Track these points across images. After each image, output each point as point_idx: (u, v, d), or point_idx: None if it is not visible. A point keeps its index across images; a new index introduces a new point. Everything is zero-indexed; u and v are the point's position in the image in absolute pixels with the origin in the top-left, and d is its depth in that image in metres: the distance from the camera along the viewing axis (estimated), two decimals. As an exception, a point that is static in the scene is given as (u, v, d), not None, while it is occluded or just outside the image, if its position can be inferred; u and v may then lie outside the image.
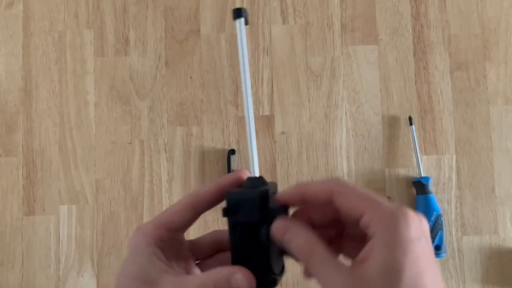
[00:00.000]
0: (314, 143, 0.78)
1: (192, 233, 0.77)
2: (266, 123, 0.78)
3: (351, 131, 0.78)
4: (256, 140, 0.78)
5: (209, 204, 0.29)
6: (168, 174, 0.77)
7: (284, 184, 0.77)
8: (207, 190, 0.29)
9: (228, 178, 0.29)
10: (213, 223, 0.76)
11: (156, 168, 0.78)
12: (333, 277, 0.24)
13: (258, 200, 0.27)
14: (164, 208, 0.77)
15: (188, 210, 0.29)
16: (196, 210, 0.29)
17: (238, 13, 0.28)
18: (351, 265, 0.24)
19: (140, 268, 0.27)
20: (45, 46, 0.80)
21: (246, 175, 0.30)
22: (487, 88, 0.79)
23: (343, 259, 0.27)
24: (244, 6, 0.81)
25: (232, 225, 0.27)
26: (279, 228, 0.27)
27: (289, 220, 0.28)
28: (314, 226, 0.28)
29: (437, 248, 0.73)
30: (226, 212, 0.27)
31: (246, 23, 0.30)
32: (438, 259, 0.76)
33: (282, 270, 0.29)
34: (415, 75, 0.80)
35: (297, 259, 0.26)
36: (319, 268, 0.24)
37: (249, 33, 0.80)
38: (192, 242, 0.31)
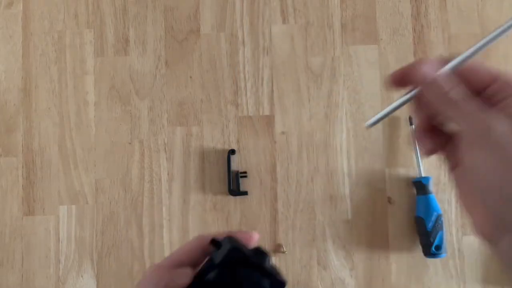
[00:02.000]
0: (314, 143, 0.78)
1: (192, 233, 0.77)
2: (266, 123, 0.78)
3: (351, 131, 0.78)
4: (256, 140, 0.79)
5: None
6: (168, 174, 0.77)
7: (284, 183, 0.77)
8: (217, 234, 0.31)
9: (241, 234, 0.31)
10: (212, 223, 0.76)
11: (156, 168, 0.78)
12: (475, 117, 0.24)
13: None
14: (164, 208, 0.77)
15: (197, 251, 0.30)
16: (204, 252, 0.30)
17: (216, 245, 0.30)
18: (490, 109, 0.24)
19: None
20: (45, 46, 0.80)
21: (256, 237, 0.32)
22: (487, 88, 0.79)
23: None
24: (244, 6, 0.80)
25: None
26: (429, 71, 0.26)
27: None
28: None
29: (437, 248, 0.73)
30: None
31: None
32: (438, 259, 0.75)
33: None
34: (415, 75, 0.80)
35: (440, 103, 0.26)
36: (467, 106, 0.24)
37: (249, 33, 0.80)
38: None
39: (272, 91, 0.79)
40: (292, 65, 0.80)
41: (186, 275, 0.29)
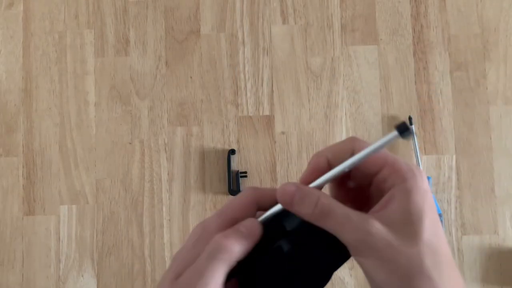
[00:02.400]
0: (314, 143, 0.78)
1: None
2: (266, 123, 0.79)
3: (351, 131, 0.79)
4: (256, 140, 0.79)
5: (272, 204, 0.27)
6: (168, 174, 0.78)
7: (284, 184, 0.77)
8: (271, 189, 0.27)
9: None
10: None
11: (156, 168, 0.78)
12: (355, 224, 0.24)
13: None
14: (164, 208, 0.77)
15: (251, 207, 0.27)
16: (259, 208, 0.27)
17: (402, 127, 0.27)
18: (363, 214, 0.24)
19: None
20: (46, 46, 0.80)
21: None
22: (486, 88, 0.80)
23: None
24: (244, 6, 0.81)
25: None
26: (288, 190, 0.25)
27: (295, 184, 0.26)
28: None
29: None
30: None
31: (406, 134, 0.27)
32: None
33: None
34: (415, 75, 0.80)
35: (310, 219, 0.25)
36: (340, 220, 0.24)
37: (249, 33, 0.80)
38: None
39: (272, 91, 0.79)
40: (292, 65, 0.80)
41: (258, 231, 0.25)
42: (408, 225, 0.23)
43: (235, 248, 0.24)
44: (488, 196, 0.77)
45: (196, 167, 0.78)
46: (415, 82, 0.80)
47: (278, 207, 0.27)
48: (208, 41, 0.80)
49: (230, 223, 0.26)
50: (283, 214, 0.27)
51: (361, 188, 0.27)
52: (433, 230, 0.24)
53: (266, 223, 0.26)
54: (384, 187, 0.25)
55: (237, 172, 0.76)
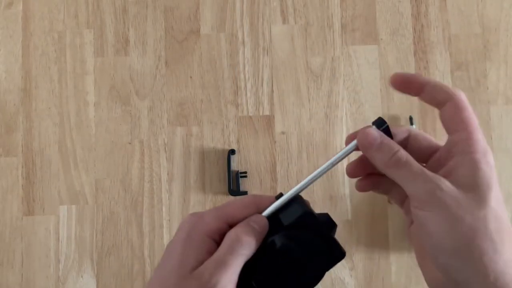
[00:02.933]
0: (314, 143, 0.78)
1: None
2: (266, 123, 0.78)
3: (351, 131, 0.78)
4: (256, 140, 0.78)
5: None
6: (168, 174, 0.77)
7: (284, 184, 0.77)
8: (270, 196, 0.29)
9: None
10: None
11: (156, 168, 0.78)
12: (429, 178, 0.25)
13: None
14: (164, 208, 0.77)
15: (251, 208, 0.28)
16: (258, 210, 0.28)
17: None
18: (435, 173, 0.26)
19: (195, 258, 0.25)
20: (45, 46, 0.80)
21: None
22: (487, 88, 0.79)
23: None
24: (244, 6, 0.80)
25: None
26: (370, 134, 0.27)
27: (378, 130, 0.28)
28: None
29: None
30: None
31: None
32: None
33: None
34: (415, 75, 0.80)
35: (384, 166, 0.27)
36: (415, 171, 0.25)
37: (249, 33, 0.80)
38: None
39: (272, 91, 0.79)
40: (292, 65, 0.80)
41: (266, 227, 0.27)
42: (477, 190, 0.24)
43: (253, 244, 0.26)
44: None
45: (196, 167, 0.78)
46: (416, 82, 0.79)
47: (278, 202, 0.28)
48: (208, 41, 0.80)
49: (227, 219, 0.27)
50: (282, 210, 0.27)
51: (423, 158, 0.29)
52: (498, 200, 0.25)
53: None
54: (454, 150, 0.26)
55: (237, 172, 0.76)
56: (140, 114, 0.79)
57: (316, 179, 0.29)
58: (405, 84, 0.29)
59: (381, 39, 0.80)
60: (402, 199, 0.30)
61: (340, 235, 0.79)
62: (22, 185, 0.77)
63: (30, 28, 0.80)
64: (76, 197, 0.77)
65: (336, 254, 0.28)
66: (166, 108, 0.79)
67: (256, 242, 0.26)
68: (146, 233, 0.77)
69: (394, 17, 0.81)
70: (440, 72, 0.80)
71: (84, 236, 0.77)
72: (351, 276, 0.76)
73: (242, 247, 0.25)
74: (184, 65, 0.80)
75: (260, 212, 0.28)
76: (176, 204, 0.77)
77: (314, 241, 0.27)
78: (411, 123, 0.76)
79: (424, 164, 0.28)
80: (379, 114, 0.79)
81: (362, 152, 0.28)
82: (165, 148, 0.78)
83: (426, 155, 0.28)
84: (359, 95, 0.79)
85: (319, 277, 0.28)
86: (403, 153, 0.26)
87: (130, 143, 0.78)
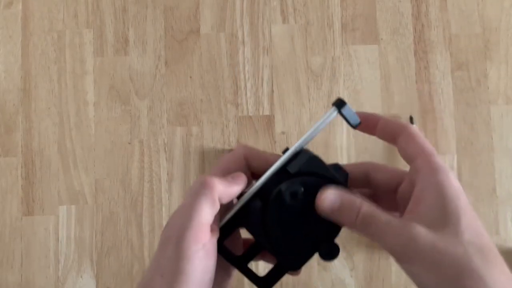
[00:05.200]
0: (315, 143, 0.78)
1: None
2: (266, 123, 0.78)
3: (351, 131, 0.78)
4: (256, 140, 0.78)
5: (261, 162, 0.28)
6: (167, 174, 0.77)
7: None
8: (259, 150, 0.29)
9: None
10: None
11: (156, 168, 0.77)
12: (398, 231, 0.24)
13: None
14: (164, 208, 0.77)
15: (241, 160, 0.28)
16: (250, 162, 0.28)
17: (339, 104, 0.28)
18: (403, 218, 0.25)
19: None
20: (45, 45, 0.80)
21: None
22: (488, 88, 0.79)
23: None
24: (244, 5, 0.80)
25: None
26: (327, 199, 0.26)
27: (336, 191, 0.27)
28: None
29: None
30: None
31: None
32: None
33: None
34: (415, 75, 0.79)
35: (351, 227, 0.26)
36: (383, 228, 0.24)
37: (249, 33, 0.80)
38: None
39: (272, 91, 0.79)
40: (292, 65, 0.79)
41: (242, 180, 0.26)
42: (449, 226, 0.23)
43: (216, 184, 0.25)
44: (490, 196, 0.77)
45: (196, 167, 0.77)
46: (416, 81, 0.79)
47: (284, 156, 0.28)
48: (208, 41, 0.80)
49: (222, 174, 0.27)
50: (289, 163, 0.28)
51: (389, 191, 0.28)
52: (474, 228, 0.23)
53: (274, 175, 0.27)
54: (417, 178, 0.25)
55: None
56: (140, 114, 0.79)
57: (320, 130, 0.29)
58: (363, 124, 0.29)
59: (382, 38, 0.80)
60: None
61: (340, 235, 0.79)
62: (22, 185, 0.77)
63: (29, 28, 0.80)
64: (76, 197, 0.77)
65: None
66: (166, 108, 0.79)
67: (224, 185, 0.26)
68: (146, 233, 0.76)
69: (394, 17, 0.81)
70: (440, 72, 0.79)
71: (84, 236, 0.76)
72: (351, 276, 0.76)
73: (203, 187, 0.25)
74: (184, 65, 0.79)
75: (252, 164, 0.28)
76: (176, 204, 0.77)
77: (323, 184, 0.27)
78: (411, 123, 0.76)
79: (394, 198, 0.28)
80: (379, 114, 0.79)
81: (325, 216, 0.27)
82: (165, 148, 0.78)
83: (392, 186, 0.27)
84: (359, 95, 0.79)
85: (333, 231, 0.27)
86: (366, 210, 0.25)
87: (129, 143, 0.78)
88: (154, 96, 0.79)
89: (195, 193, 0.25)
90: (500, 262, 0.24)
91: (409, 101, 0.79)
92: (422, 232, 0.23)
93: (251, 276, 0.28)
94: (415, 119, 0.78)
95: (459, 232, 0.23)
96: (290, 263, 0.27)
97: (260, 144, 0.78)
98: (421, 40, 0.80)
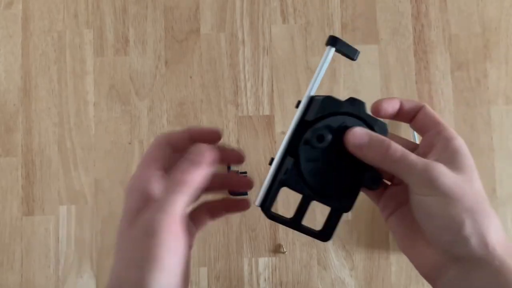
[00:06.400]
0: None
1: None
2: (266, 123, 0.78)
3: (351, 131, 0.78)
4: (256, 140, 0.78)
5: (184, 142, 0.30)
6: (167, 174, 0.77)
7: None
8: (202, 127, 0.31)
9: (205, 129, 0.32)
10: (212, 223, 0.76)
11: (156, 168, 0.77)
12: (425, 167, 0.26)
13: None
14: (163, 208, 0.77)
15: (186, 134, 0.31)
16: (191, 138, 0.30)
17: (332, 41, 0.28)
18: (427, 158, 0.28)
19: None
20: (45, 45, 0.80)
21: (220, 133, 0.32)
22: (488, 88, 0.79)
23: None
24: (244, 6, 0.80)
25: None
26: (358, 134, 0.28)
27: (366, 130, 0.29)
28: None
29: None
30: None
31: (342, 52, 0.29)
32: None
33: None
34: (415, 75, 0.80)
35: (379, 163, 0.28)
36: (410, 164, 0.27)
37: (249, 33, 0.80)
38: None
39: (272, 91, 0.79)
40: (292, 65, 0.79)
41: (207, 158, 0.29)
42: (467, 172, 0.27)
43: (192, 180, 0.27)
44: (490, 196, 0.77)
45: (196, 167, 0.77)
46: (416, 82, 0.79)
47: (299, 111, 0.29)
48: (208, 41, 0.80)
49: (160, 164, 0.29)
50: (305, 114, 0.29)
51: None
52: (479, 181, 0.28)
53: (296, 131, 0.28)
54: (434, 142, 0.28)
55: (237, 172, 0.76)
56: (140, 114, 0.79)
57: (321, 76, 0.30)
58: (387, 110, 0.31)
59: (381, 39, 0.80)
60: (379, 195, 0.32)
61: (340, 235, 0.79)
62: (22, 185, 0.77)
63: (29, 28, 0.80)
64: (76, 197, 0.77)
65: (379, 124, 0.28)
66: (166, 108, 0.79)
67: (196, 174, 0.28)
68: (146, 233, 0.76)
69: (394, 17, 0.81)
70: (440, 72, 0.79)
71: (84, 236, 0.77)
72: (351, 276, 0.76)
73: (178, 186, 0.27)
74: (184, 65, 0.79)
75: (180, 145, 0.30)
76: (176, 204, 0.77)
77: (346, 120, 0.28)
78: (412, 123, 0.76)
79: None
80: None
81: (353, 153, 0.28)
82: (165, 148, 0.78)
83: (426, 129, 0.30)
84: (359, 95, 0.79)
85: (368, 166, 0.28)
86: (395, 147, 0.27)
87: (129, 143, 0.78)
88: (154, 96, 0.79)
89: (170, 191, 0.27)
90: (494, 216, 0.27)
91: (409, 101, 0.79)
92: (446, 170, 0.26)
93: (310, 232, 0.29)
94: (415, 119, 0.77)
95: (474, 179, 0.27)
96: (341, 205, 0.29)
97: (260, 144, 0.78)
98: (421, 40, 0.80)
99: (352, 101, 0.28)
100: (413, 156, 0.27)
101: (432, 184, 0.26)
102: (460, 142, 0.28)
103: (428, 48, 0.80)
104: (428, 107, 0.30)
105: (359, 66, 0.79)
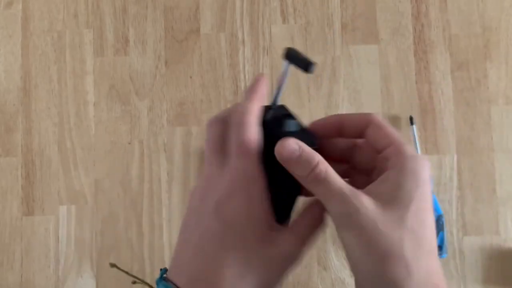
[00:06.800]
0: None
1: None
2: (266, 123, 0.78)
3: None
4: (256, 140, 0.78)
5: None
6: (167, 174, 0.77)
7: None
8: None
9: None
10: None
11: (156, 168, 0.77)
12: (346, 198, 0.24)
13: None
14: (164, 209, 0.77)
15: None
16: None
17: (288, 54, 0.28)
18: (357, 188, 0.25)
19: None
20: (45, 45, 0.80)
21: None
22: (488, 88, 0.79)
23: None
24: (244, 6, 0.80)
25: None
26: (287, 147, 0.25)
27: (297, 142, 0.26)
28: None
29: (438, 249, 0.73)
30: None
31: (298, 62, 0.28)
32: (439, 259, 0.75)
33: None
34: (415, 75, 0.79)
35: (303, 181, 0.26)
36: (332, 191, 0.24)
37: (249, 33, 0.80)
38: None
39: (272, 91, 0.79)
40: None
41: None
42: (395, 209, 0.23)
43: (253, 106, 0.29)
44: (490, 196, 0.77)
45: (196, 167, 0.77)
46: (416, 81, 0.79)
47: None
48: (208, 41, 0.80)
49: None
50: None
51: (366, 171, 0.28)
52: (420, 218, 0.24)
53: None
54: (385, 166, 0.25)
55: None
56: (140, 114, 0.79)
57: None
58: (326, 130, 0.30)
59: (381, 39, 0.80)
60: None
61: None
62: (22, 185, 0.77)
63: (29, 28, 0.80)
64: (76, 197, 0.77)
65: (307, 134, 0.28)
66: (166, 108, 0.79)
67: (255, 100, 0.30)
68: (146, 234, 0.76)
69: (394, 17, 0.81)
70: (440, 72, 0.79)
71: (84, 236, 0.76)
72: (351, 276, 0.76)
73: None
74: (184, 65, 0.79)
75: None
76: (176, 204, 0.77)
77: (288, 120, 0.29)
78: (411, 123, 0.76)
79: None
80: (380, 114, 0.79)
81: (282, 164, 0.26)
82: (164, 148, 0.78)
83: (380, 147, 0.27)
84: (359, 95, 0.79)
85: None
86: (322, 168, 0.25)
87: (129, 143, 0.78)
88: (154, 96, 0.79)
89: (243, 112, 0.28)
90: (432, 257, 0.24)
91: (409, 101, 0.79)
92: (369, 206, 0.23)
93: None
94: (415, 119, 0.78)
95: (404, 217, 0.23)
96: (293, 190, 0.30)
97: (260, 144, 0.78)
98: (421, 40, 0.80)
99: (304, 129, 0.29)
100: (336, 184, 0.24)
101: (347, 221, 0.24)
102: (411, 167, 0.24)
103: (428, 48, 0.80)
104: (377, 118, 0.27)
105: (359, 66, 0.79)
